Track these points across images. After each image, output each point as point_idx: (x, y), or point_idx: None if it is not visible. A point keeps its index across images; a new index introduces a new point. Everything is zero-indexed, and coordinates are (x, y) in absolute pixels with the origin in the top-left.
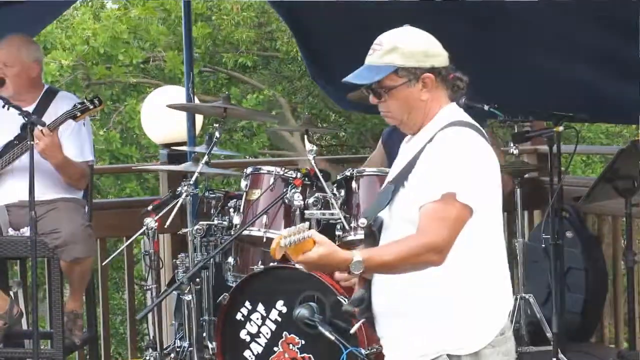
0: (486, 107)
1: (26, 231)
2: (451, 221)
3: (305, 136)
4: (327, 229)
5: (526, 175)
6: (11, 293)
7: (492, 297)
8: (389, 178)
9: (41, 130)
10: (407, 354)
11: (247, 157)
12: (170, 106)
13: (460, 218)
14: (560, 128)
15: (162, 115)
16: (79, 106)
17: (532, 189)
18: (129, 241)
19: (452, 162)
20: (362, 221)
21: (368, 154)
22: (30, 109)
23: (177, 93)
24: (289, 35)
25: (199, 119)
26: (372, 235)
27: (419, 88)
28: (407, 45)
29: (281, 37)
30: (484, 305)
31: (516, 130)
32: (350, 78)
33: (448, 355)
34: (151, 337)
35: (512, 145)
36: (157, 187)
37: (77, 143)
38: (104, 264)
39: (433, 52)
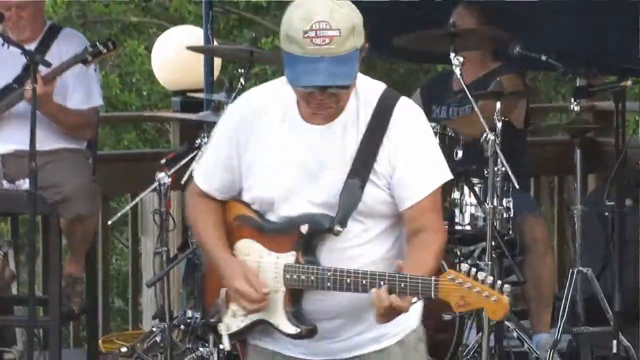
0: (543, 58)
1: (23, 184)
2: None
3: None
4: None
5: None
6: (0, 253)
7: None
8: (326, 167)
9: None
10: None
11: None
12: (190, 48)
13: None
14: (629, 82)
15: (176, 59)
16: (91, 49)
17: (587, 150)
18: (138, 198)
19: (431, 148)
20: (338, 230)
21: None
22: (31, 47)
23: (192, 34)
24: None
25: (217, 64)
26: (312, 244)
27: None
28: (358, 19)
29: None
30: None
31: (578, 84)
32: (322, 81)
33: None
34: (158, 307)
35: (573, 101)
36: (157, 138)
37: (84, 87)
38: (110, 222)
39: None
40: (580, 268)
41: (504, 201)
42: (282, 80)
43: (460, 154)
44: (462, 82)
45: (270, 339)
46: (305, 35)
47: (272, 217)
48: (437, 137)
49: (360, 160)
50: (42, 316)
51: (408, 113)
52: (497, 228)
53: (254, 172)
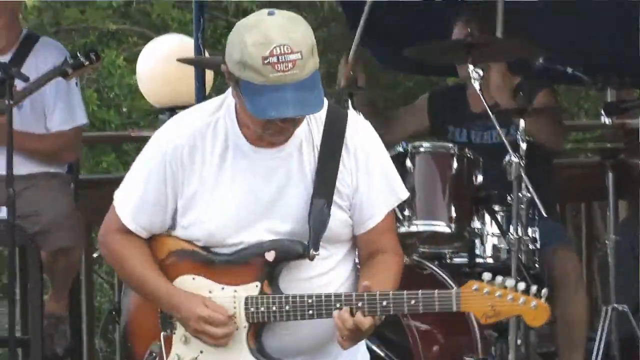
0: (569, 70)
1: None
2: None
3: (349, 100)
4: None
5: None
6: None
7: None
8: (284, 192)
9: None
10: None
11: None
12: (181, 60)
13: None
14: None
15: (163, 72)
16: (72, 61)
17: (617, 173)
18: None
19: (388, 166)
20: (314, 253)
21: None
22: (5, 58)
23: (181, 43)
24: None
25: (209, 77)
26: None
27: None
28: (313, 39)
29: None
30: None
31: (609, 99)
32: (294, 112)
33: None
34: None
35: (603, 118)
36: None
37: (66, 104)
38: (95, 255)
39: None
40: (616, 305)
41: (530, 231)
42: (219, 100)
43: (480, 177)
44: (482, 97)
45: None
46: (266, 62)
47: (221, 250)
48: (455, 159)
49: (322, 179)
50: (23, 359)
51: (362, 130)
52: (523, 261)
53: (197, 207)
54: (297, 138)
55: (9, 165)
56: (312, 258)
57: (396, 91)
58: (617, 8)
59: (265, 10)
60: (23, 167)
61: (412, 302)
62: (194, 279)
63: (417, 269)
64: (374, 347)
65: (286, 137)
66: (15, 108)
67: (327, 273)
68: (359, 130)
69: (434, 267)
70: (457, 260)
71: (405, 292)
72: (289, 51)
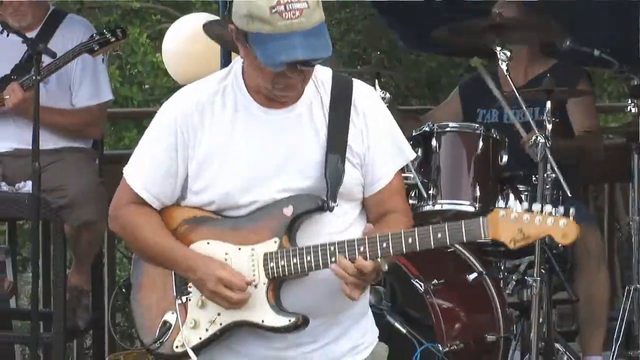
0: (596, 52)
1: (24, 186)
2: None
3: (376, 81)
4: None
5: None
6: None
7: None
8: (297, 151)
9: (12, 86)
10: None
11: None
12: (207, 32)
13: None
14: None
15: (189, 50)
16: (98, 38)
17: None
18: None
19: (395, 126)
20: (333, 205)
21: (420, 105)
22: (32, 34)
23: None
24: None
25: (234, 55)
26: (294, 229)
27: None
28: None
29: None
30: None
31: (636, 83)
32: (304, 55)
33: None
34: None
35: (630, 101)
36: None
37: (92, 80)
38: None
39: None
40: (638, 285)
41: (554, 211)
42: (224, 71)
43: (505, 158)
44: (509, 80)
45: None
46: (274, 11)
47: (236, 212)
48: (481, 139)
49: (334, 136)
50: (44, 332)
51: (368, 92)
52: (546, 241)
53: (210, 169)
54: (306, 99)
55: (35, 139)
56: (331, 209)
57: (419, 71)
58: (617, 8)
59: None
60: (49, 141)
61: (439, 235)
62: (208, 243)
63: (441, 247)
64: (397, 325)
65: (295, 94)
66: (42, 83)
67: (347, 230)
68: (365, 94)
69: (457, 246)
70: None
71: (431, 226)
72: (296, 0)
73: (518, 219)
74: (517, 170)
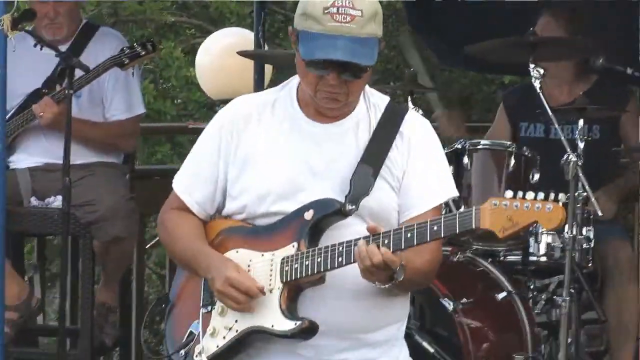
0: (629, 71)
1: (53, 201)
2: None
3: (409, 98)
4: None
5: None
6: (26, 278)
7: None
8: (334, 164)
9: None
10: None
11: None
12: (240, 53)
13: None
14: None
15: (222, 65)
16: (128, 51)
17: None
18: None
19: (442, 161)
20: (350, 208)
21: None
22: (64, 47)
23: (241, 37)
24: None
25: (267, 70)
26: (316, 234)
27: None
28: (379, 8)
29: None
30: None
31: None
32: (341, 56)
33: None
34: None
35: None
36: None
37: (124, 94)
38: (148, 246)
39: None
40: None
41: (584, 230)
42: (280, 85)
43: (537, 176)
44: (542, 97)
45: None
46: (326, 11)
47: (264, 221)
48: (513, 157)
49: (373, 150)
50: (71, 349)
51: (421, 121)
52: (576, 260)
53: (248, 171)
54: (354, 118)
55: (66, 154)
56: (349, 213)
57: (452, 88)
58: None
59: None
60: (80, 156)
61: (435, 228)
62: (237, 252)
63: (471, 266)
64: (425, 344)
65: (339, 106)
66: (74, 97)
67: None
68: (416, 124)
69: (487, 264)
70: (510, 258)
71: (428, 220)
72: (351, 6)
73: (509, 207)
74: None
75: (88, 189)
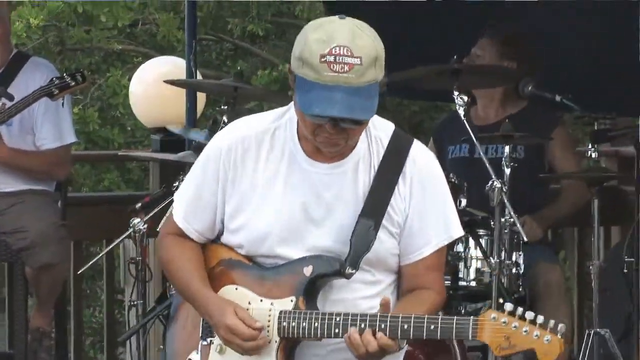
0: (558, 98)
1: None
2: None
3: None
4: None
5: (605, 184)
6: None
7: None
8: (334, 209)
9: None
10: None
11: None
12: (168, 82)
13: None
14: None
15: (155, 93)
16: (57, 82)
17: (610, 200)
18: (111, 245)
19: (446, 200)
20: (350, 272)
21: None
22: None
23: (174, 66)
24: None
25: (201, 98)
26: (315, 290)
27: None
28: (381, 49)
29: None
30: None
31: (596, 128)
32: (338, 112)
33: None
34: None
35: (590, 146)
36: (143, 179)
37: (54, 123)
38: (79, 272)
39: None
40: (598, 330)
41: (514, 255)
42: (282, 110)
43: (464, 202)
44: (465, 124)
45: None
46: (323, 60)
47: (263, 261)
48: None
49: (373, 200)
50: None
51: (424, 160)
52: (505, 285)
53: (245, 209)
54: (355, 156)
55: None
56: (348, 276)
57: (402, 115)
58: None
59: (338, 16)
60: (10, 184)
61: (432, 327)
62: (236, 289)
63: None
64: None
65: (339, 150)
66: (4, 125)
67: (374, 297)
68: (421, 160)
69: None
70: None
71: (425, 315)
72: (349, 54)
73: (507, 324)
74: (479, 211)
75: (18, 216)
